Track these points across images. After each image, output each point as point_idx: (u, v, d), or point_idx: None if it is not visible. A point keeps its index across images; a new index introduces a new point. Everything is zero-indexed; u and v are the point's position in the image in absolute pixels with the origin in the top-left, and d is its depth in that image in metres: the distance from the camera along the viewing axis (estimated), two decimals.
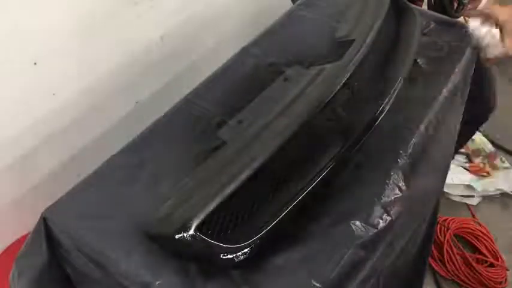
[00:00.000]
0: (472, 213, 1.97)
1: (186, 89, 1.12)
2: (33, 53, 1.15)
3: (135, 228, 0.85)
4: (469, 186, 2.01)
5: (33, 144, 1.26)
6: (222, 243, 0.78)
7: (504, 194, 2.04)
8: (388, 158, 0.98)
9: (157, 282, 0.78)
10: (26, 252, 0.90)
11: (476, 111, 1.38)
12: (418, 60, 1.17)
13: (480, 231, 1.88)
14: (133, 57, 1.42)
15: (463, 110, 1.25)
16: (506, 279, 1.78)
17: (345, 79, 0.95)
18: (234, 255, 0.77)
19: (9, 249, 1.28)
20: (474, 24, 1.16)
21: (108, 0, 1.27)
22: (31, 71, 1.16)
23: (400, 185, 0.95)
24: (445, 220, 1.88)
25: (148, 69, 1.48)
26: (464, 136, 1.51)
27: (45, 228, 0.87)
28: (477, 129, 1.59)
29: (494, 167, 2.10)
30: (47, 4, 1.13)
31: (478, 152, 2.14)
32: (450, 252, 1.80)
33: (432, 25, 1.28)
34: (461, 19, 2.05)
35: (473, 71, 1.27)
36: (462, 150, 2.08)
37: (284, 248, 0.83)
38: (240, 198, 0.82)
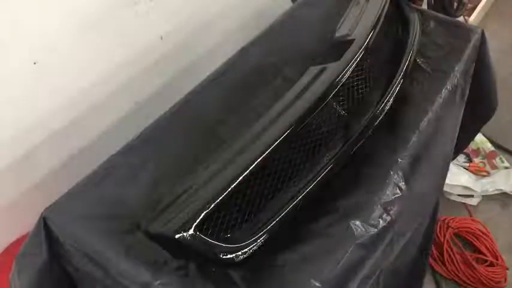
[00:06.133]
0: (469, 213, 1.97)
1: (186, 89, 1.12)
2: (33, 52, 1.15)
3: (135, 228, 0.85)
4: (468, 186, 2.01)
5: (33, 144, 1.26)
6: (222, 243, 0.78)
7: (504, 194, 2.04)
8: (388, 158, 0.98)
9: (157, 282, 0.78)
10: (26, 252, 0.90)
11: (478, 111, 1.38)
12: (418, 60, 1.17)
13: (480, 230, 1.88)
14: (133, 57, 1.42)
15: (464, 110, 1.26)
16: (506, 279, 1.78)
17: (345, 79, 0.95)
18: (234, 255, 0.78)
19: (9, 249, 1.28)
20: None
21: (108, 0, 1.27)
22: (31, 71, 1.16)
23: (400, 185, 0.95)
24: (445, 220, 1.88)
25: (148, 69, 1.48)
26: (467, 137, 1.51)
27: (45, 228, 0.87)
28: (479, 130, 1.58)
29: (494, 167, 2.10)
30: (47, 4, 1.13)
31: (477, 152, 2.15)
32: (450, 252, 1.80)
33: (432, 25, 1.28)
34: (461, 19, 2.05)
35: (473, 71, 1.27)
36: None
37: (284, 248, 0.83)
38: (240, 198, 0.82)
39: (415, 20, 1.20)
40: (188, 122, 1.05)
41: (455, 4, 1.87)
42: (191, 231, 0.75)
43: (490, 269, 1.78)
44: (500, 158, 2.13)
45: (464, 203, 2.01)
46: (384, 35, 1.12)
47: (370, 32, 1.04)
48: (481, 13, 2.76)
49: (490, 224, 1.92)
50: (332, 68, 0.98)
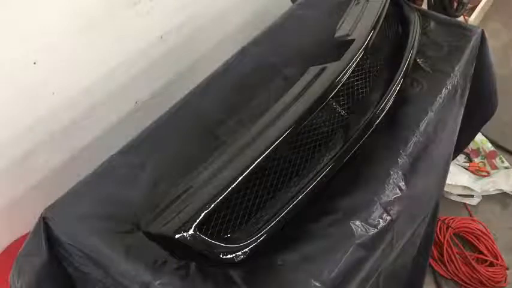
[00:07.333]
0: (470, 213, 1.97)
1: (186, 89, 1.12)
2: (33, 52, 1.15)
3: (135, 228, 0.85)
4: (468, 186, 2.01)
5: (33, 144, 1.26)
6: (222, 243, 0.78)
7: (504, 194, 2.04)
8: (388, 157, 0.98)
9: (157, 282, 0.78)
10: (25, 252, 0.90)
11: (478, 111, 1.38)
12: (418, 60, 1.17)
13: (480, 230, 1.88)
14: (133, 57, 1.42)
15: (464, 110, 1.26)
16: (506, 279, 1.78)
17: (345, 79, 0.95)
18: (234, 255, 0.78)
19: (9, 249, 1.28)
20: None
21: (109, 0, 1.27)
22: (31, 71, 1.16)
23: (400, 184, 0.95)
24: (445, 220, 1.88)
25: (148, 69, 1.48)
26: (467, 137, 1.51)
27: (45, 228, 0.87)
28: (479, 130, 1.59)
29: (494, 167, 2.10)
30: (47, 4, 1.13)
31: (477, 152, 2.15)
32: (450, 252, 1.80)
33: (432, 25, 1.28)
34: (461, 19, 2.05)
35: (473, 71, 1.27)
36: None
37: (284, 248, 0.83)
38: (240, 198, 0.82)
39: (415, 20, 1.20)
40: (188, 122, 1.05)
41: (455, 4, 1.87)
42: (191, 231, 0.75)
43: (490, 269, 1.78)
44: (500, 158, 2.13)
45: (464, 203, 2.01)
46: (384, 35, 1.12)
47: (370, 32, 1.04)
48: (481, 13, 2.76)
49: (490, 224, 1.92)
50: (332, 68, 0.98)
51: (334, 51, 1.04)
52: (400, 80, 1.04)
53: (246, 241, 0.78)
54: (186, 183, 0.87)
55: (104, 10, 1.27)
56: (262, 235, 0.79)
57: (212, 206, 0.76)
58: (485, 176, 2.06)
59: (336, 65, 0.98)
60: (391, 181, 0.94)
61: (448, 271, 1.78)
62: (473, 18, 2.62)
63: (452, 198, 2.01)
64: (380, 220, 0.89)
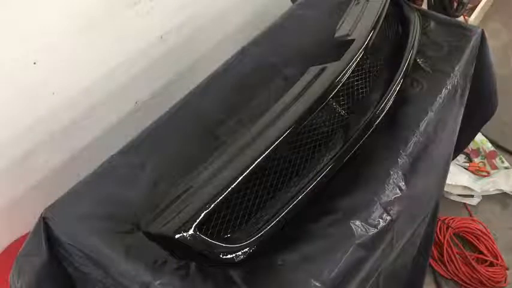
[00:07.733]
0: (469, 213, 1.97)
1: (186, 89, 1.12)
2: (33, 52, 1.15)
3: (135, 228, 0.85)
4: (468, 186, 2.01)
5: (33, 144, 1.26)
6: (221, 243, 0.78)
7: (504, 194, 2.04)
8: (388, 157, 0.98)
9: (157, 282, 0.78)
10: (25, 252, 0.90)
11: (478, 111, 1.38)
12: (418, 60, 1.17)
13: (480, 230, 1.88)
14: (133, 57, 1.42)
15: (464, 110, 1.26)
16: (505, 279, 1.78)
17: (345, 79, 0.95)
18: (234, 255, 0.78)
19: (9, 249, 1.28)
20: None
21: (109, 0, 1.27)
22: (31, 71, 1.16)
23: (400, 185, 0.95)
24: (445, 220, 1.88)
25: (148, 69, 1.48)
26: (467, 137, 1.51)
27: (45, 228, 0.87)
28: (479, 130, 1.59)
29: (494, 167, 2.10)
30: (47, 4, 1.13)
31: (477, 152, 2.15)
32: (450, 252, 1.80)
33: (432, 25, 1.28)
34: (461, 19, 2.05)
35: (473, 71, 1.27)
36: None
37: (284, 248, 0.83)
38: (240, 198, 0.82)
39: (415, 19, 1.20)
40: (188, 122, 1.05)
41: (455, 4, 1.87)
42: (191, 231, 0.75)
43: (490, 269, 1.78)
44: (500, 158, 2.13)
45: (464, 203, 2.01)
46: (384, 35, 1.12)
47: (370, 32, 1.04)
48: (481, 13, 2.76)
49: (490, 224, 1.92)
50: (332, 68, 0.98)
51: (334, 51, 1.04)
52: (400, 80, 1.04)
53: (246, 241, 0.78)
54: (186, 183, 0.87)
55: (104, 10, 1.27)
56: (262, 235, 0.79)
57: (212, 206, 0.76)
58: (485, 176, 2.06)
59: (336, 65, 0.98)
60: (391, 181, 0.94)
61: (448, 271, 1.78)
62: (473, 18, 2.62)
63: (452, 198, 2.01)
64: (380, 220, 0.89)
